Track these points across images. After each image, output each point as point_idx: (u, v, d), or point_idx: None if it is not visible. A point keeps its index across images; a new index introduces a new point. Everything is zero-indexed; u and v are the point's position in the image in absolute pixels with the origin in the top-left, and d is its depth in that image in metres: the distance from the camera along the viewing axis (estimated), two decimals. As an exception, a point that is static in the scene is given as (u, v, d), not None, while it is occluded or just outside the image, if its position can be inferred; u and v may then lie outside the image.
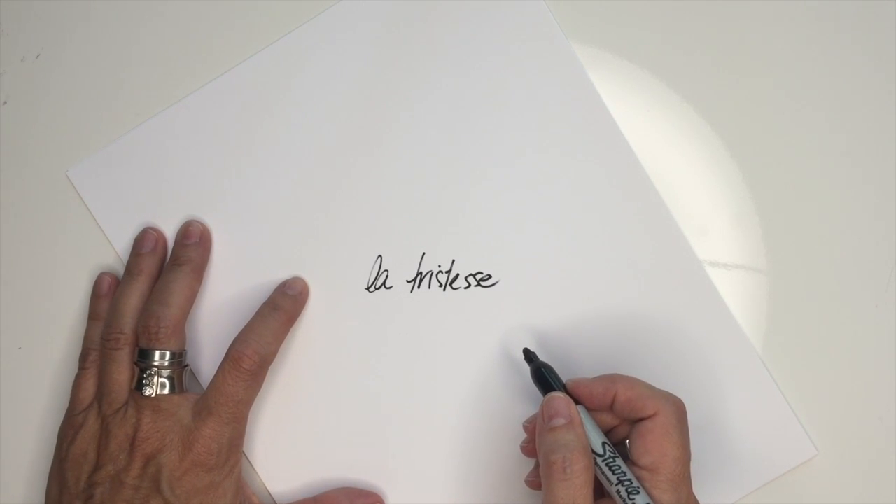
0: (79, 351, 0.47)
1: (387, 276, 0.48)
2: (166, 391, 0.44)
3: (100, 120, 0.49)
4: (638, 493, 0.39)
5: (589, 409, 0.42)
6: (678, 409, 0.41)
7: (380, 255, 0.48)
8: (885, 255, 0.47)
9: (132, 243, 0.48)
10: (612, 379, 0.42)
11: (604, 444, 0.40)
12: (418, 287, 0.48)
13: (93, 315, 0.48)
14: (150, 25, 0.49)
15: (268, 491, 0.48)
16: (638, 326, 0.47)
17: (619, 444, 0.42)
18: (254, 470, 0.48)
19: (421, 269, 0.48)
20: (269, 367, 0.46)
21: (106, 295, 0.48)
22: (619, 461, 0.40)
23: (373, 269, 0.48)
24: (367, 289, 0.48)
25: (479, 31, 0.47)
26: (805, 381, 0.47)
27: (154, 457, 0.43)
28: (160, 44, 0.49)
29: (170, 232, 0.48)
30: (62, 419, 0.47)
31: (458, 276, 0.47)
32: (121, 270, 0.48)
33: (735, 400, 0.46)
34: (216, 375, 0.44)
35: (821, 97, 0.47)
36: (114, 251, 0.49)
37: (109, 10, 0.49)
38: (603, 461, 0.40)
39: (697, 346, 0.46)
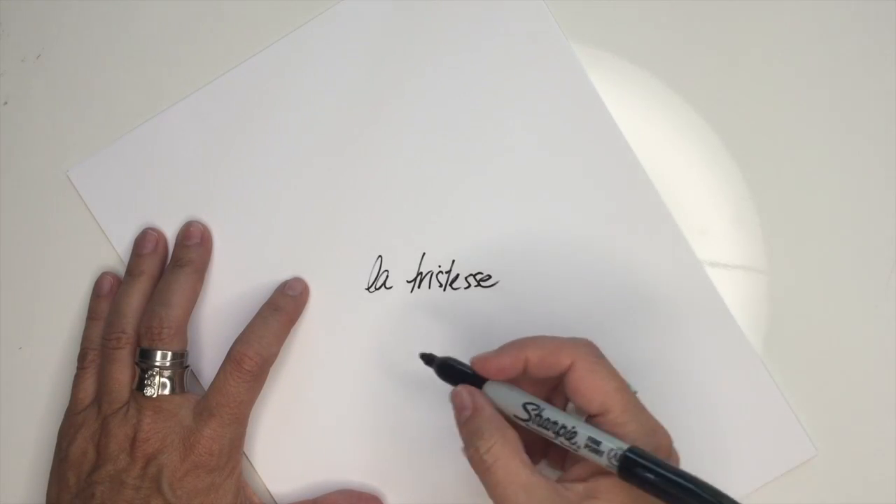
0: (78, 351, 0.47)
1: (387, 277, 0.48)
2: (167, 392, 0.44)
3: (100, 120, 0.49)
4: (576, 433, 0.37)
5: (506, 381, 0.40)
6: (592, 348, 0.39)
7: (380, 256, 0.48)
8: (885, 255, 0.47)
9: (133, 244, 0.48)
10: (518, 345, 0.40)
11: (525, 405, 0.39)
12: (418, 287, 0.48)
13: (92, 315, 0.48)
14: (150, 25, 0.49)
15: (268, 491, 0.48)
16: (638, 326, 0.47)
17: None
18: (254, 470, 0.48)
19: (421, 270, 0.48)
20: (271, 368, 0.46)
21: (107, 295, 0.48)
22: (547, 413, 0.38)
23: (373, 269, 0.48)
24: (368, 289, 0.48)
25: (479, 31, 0.47)
26: (805, 381, 0.47)
27: (155, 457, 0.43)
28: (160, 44, 0.49)
29: (170, 232, 0.48)
30: (62, 419, 0.47)
31: (458, 276, 0.47)
32: (121, 271, 0.48)
33: (735, 400, 0.46)
34: (217, 376, 0.45)
35: (821, 97, 0.47)
36: (114, 252, 0.49)
37: (109, 10, 0.49)
38: (532, 423, 0.39)
39: (697, 346, 0.47)
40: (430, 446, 0.47)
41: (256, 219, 0.48)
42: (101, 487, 0.43)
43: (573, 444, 0.38)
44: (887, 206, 0.47)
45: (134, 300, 0.46)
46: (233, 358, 0.44)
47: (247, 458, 0.48)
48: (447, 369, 0.42)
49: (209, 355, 0.48)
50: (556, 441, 0.38)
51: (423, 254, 0.48)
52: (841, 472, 0.46)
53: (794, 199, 0.47)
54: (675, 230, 0.47)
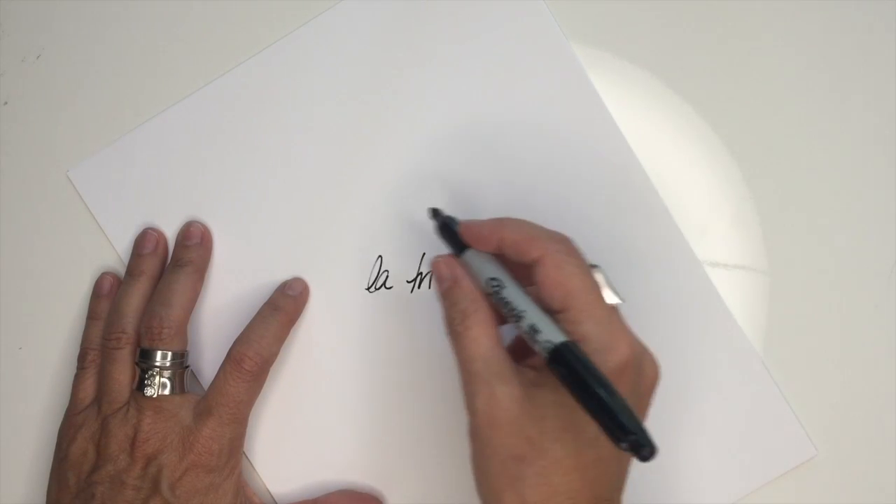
0: (78, 351, 0.47)
1: (387, 277, 0.48)
2: (167, 392, 0.44)
3: (100, 120, 0.49)
4: (523, 317, 0.38)
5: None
6: (565, 243, 0.39)
7: (380, 256, 0.48)
8: (885, 255, 0.47)
9: (133, 244, 0.48)
10: (501, 221, 0.40)
11: (488, 280, 0.39)
12: (418, 287, 0.48)
13: (92, 315, 0.48)
14: (150, 25, 0.49)
15: (268, 491, 0.48)
16: (638, 326, 0.47)
17: None
18: (255, 470, 0.48)
19: (421, 270, 0.48)
20: (271, 368, 0.46)
21: (107, 295, 0.48)
22: (504, 292, 0.39)
23: (373, 269, 0.48)
24: (368, 289, 0.48)
25: (478, 31, 0.47)
26: (805, 381, 0.47)
27: (155, 457, 0.43)
28: (160, 44, 0.49)
29: (170, 233, 0.48)
30: (62, 419, 0.47)
31: (458, 276, 0.47)
32: (121, 271, 0.48)
33: (735, 400, 0.46)
34: (217, 376, 0.45)
35: (821, 97, 0.47)
36: (114, 252, 0.49)
37: (109, 10, 0.49)
38: (492, 298, 0.39)
39: (697, 346, 0.47)
40: (430, 446, 0.47)
41: (256, 219, 0.48)
42: (101, 488, 0.43)
43: (519, 326, 0.38)
44: (887, 206, 0.47)
45: (134, 300, 0.46)
46: (233, 358, 0.44)
47: (247, 458, 0.48)
48: (446, 228, 0.42)
49: (209, 355, 0.48)
50: (510, 321, 0.39)
51: (423, 254, 0.48)
52: (841, 472, 0.47)
53: (794, 200, 0.47)
54: (675, 230, 0.47)
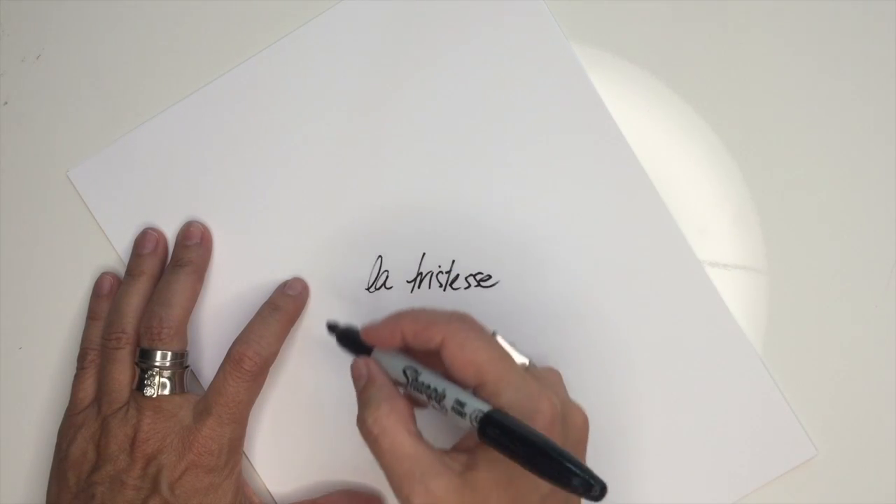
0: (78, 351, 0.47)
1: (387, 277, 0.48)
2: (167, 392, 0.44)
3: (100, 120, 0.49)
4: (444, 395, 0.37)
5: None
6: (464, 322, 0.39)
7: (380, 256, 0.48)
8: (885, 255, 0.47)
9: (133, 244, 0.48)
10: (397, 317, 0.40)
11: (405, 369, 0.39)
12: (418, 287, 0.48)
13: (92, 315, 0.48)
14: (150, 25, 0.49)
15: (268, 491, 0.48)
16: (637, 326, 0.47)
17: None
18: (254, 470, 0.48)
19: (421, 270, 0.48)
20: (270, 368, 0.46)
21: (107, 295, 0.48)
22: (423, 377, 0.39)
23: (373, 269, 0.48)
24: (368, 289, 0.48)
25: (478, 31, 0.47)
26: (805, 381, 0.47)
27: (154, 457, 0.43)
28: (160, 44, 0.49)
29: (170, 233, 0.48)
30: (62, 419, 0.47)
31: (458, 276, 0.47)
32: (121, 271, 0.48)
33: (735, 400, 0.46)
34: (217, 376, 0.45)
35: (821, 97, 0.47)
36: (114, 252, 0.49)
37: (110, 11, 0.49)
38: (410, 387, 0.39)
39: (697, 346, 0.47)
40: (430, 446, 0.47)
41: (256, 219, 0.48)
42: (101, 488, 0.43)
43: (443, 406, 0.37)
44: (887, 206, 0.47)
45: (134, 300, 0.46)
46: (232, 358, 0.44)
47: (247, 458, 0.48)
48: (346, 338, 0.43)
49: (209, 355, 0.48)
50: (431, 405, 0.38)
51: (423, 254, 0.48)
52: (841, 472, 0.47)
53: (794, 199, 0.47)
54: (675, 230, 0.47)
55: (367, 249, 0.48)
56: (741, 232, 0.47)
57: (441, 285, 0.47)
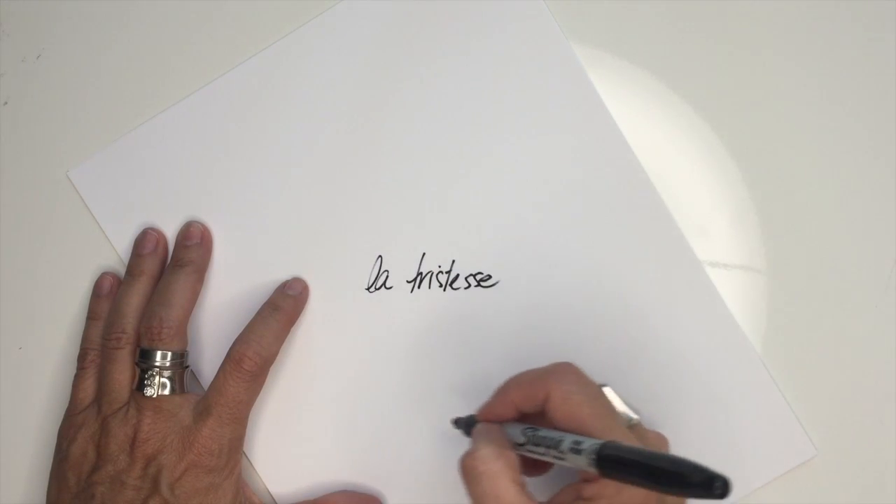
0: (78, 351, 0.47)
1: (387, 277, 0.48)
2: (167, 392, 0.44)
3: (100, 120, 0.49)
4: (561, 441, 0.37)
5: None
6: (567, 371, 0.39)
7: (380, 256, 0.48)
8: (885, 255, 0.47)
9: (133, 244, 0.48)
10: (503, 390, 0.41)
11: (524, 430, 0.40)
12: (418, 287, 0.48)
13: (92, 315, 0.48)
14: (150, 26, 0.49)
15: (268, 491, 0.48)
16: (638, 326, 0.47)
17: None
18: (254, 470, 0.48)
19: (421, 270, 0.48)
20: (270, 368, 0.46)
21: (107, 295, 0.48)
22: (542, 432, 0.39)
23: (373, 269, 0.48)
24: (368, 289, 0.48)
25: (478, 31, 0.47)
26: (805, 381, 0.47)
27: (154, 457, 0.43)
28: (160, 44, 0.49)
29: (170, 233, 0.48)
30: (62, 419, 0.47)
31: (458, 276, 0.47)
32: (121, 271, 0.48)
33: (735, 400, 0.46)
34: (217, 376, 0.45)
35: (821, 97, 0.47)
36: (114, 252, 0.49)
37: (110, 10, 0.49)
38: (529, 445, 0.39)
39: (697, 346, 0.47)
40: (429, 447, 0.47)
41: (256, 219, 0.48)
42: (101, 488, 0.43)
43: (560, 451, 0.37)
44: (887, 206, 0.47)
45: (134, 300, 0.46)
46: (232, 358, 0.44)
47: (247, 458, 0.48)
48: (469, 426, 0.43)
49: (209, 355, 0.48)
50: (547, 457, 0.38)
51: (423, 254, 0.48)
52: (841, 472, 0.46)
53: (794, 199, 0.47)
54: (675, 230, 0.47)
55: (367, 249, 0.48)
56: (741, 232, 0.47)
57: (441, 285, 0.47)
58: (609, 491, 0.37)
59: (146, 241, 0.48)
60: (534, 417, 0.40)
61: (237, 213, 0.48)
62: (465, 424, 0.43)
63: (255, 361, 0.44)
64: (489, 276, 0.47)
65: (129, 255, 0.48)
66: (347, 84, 0.48)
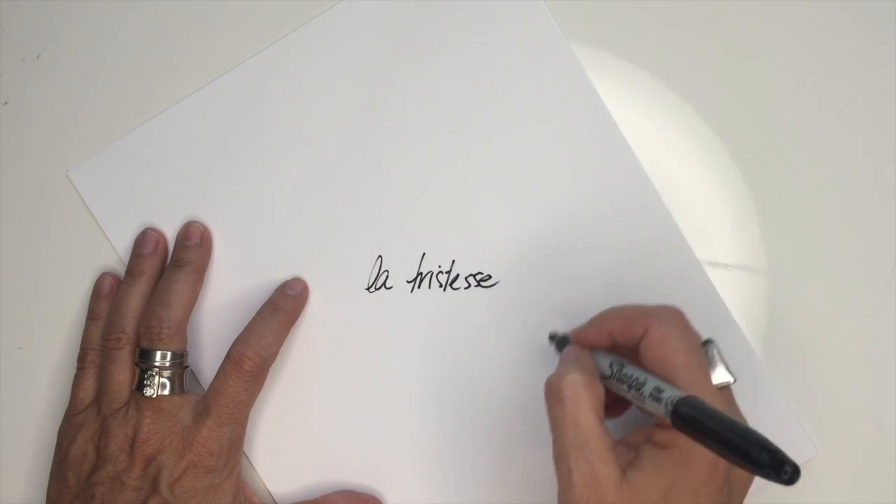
0: (78, 351, 0.47)
1: (387, 277, 0.48)
2: (167, 392, 0.44)
3: (100, 120, 0.49)
4: (644, 383, 0.38)
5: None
6: (670, 316, 0.39)
7: (380, 256, 0.48)
8: (885, 255, 0.47)
9: (133, 244, 0.48)
10: (602, 316, 0.41)
11: (611, 363, 0.40)
12: (418, 287, 0.48)
13: (92, 315, 0.48)
14: (150, 26, 0.49)
15: (268, 491, 0.48)
16: (638, 326, 0.47)
17: None
18: (254, 470, 0.48)
19: (421, 270, 0.48)
20: (270, 368, 0.46)
21: (107, 295, 0.48)
22: (626, 369, 0.39)
23: (373, 269, 0.48)
24: (368, 289, 0.48)
25: (478, 31, 0.47)
26: (805, 381, 0.47)
27: (154, 458, 0.43)
28: (160, 44, 0.49)
29: (170, 233, 0.48)
30: (62, 419, 0.47)
31: (458, 276, 0.47)
32: (121, 271, 0.48)
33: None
34: (217, 376, 0.45)
35: (821, 97, 0.47)
36: (114, 252, 0.49)
37: (110, 11, 0.49)
38: (613, 379, 0.39)
39: (697, 346, 0.46)
40: (429, 446, 0.47)
41: (256, 219, 0.48)
42: (101, 488, 0.43)
43: (640, 393, 0.38)
44: (887, 206, 0.47)
45: (134, 300, 0.46)
46: (232, 358, 0.44)
47: (247, 458, 0.48)
48: (561, 344, 0.43)
49: (209, 355, 0.48)
50: (628, 395, 0.39)
51: (423, 254, 0.48)
52: (841, 472, 0.47)
53: (794, 200, 0.47)
54: (675, 230, 0.47)
55: (368, 250, 0.48)
56: (741, 232, 0.47)
57: (441, 285, 0.47)
58: (682, 442, 0.37)
59: (146, 241, 0.48)
60: (625, 350, 0.40)
61: (237, 213, 0.48)
62: (559, 342, 0.44)
63: (255, 362, 0.44)
64: (489, 276, 0.47)
65: (129, 255, 0.48)
66: (347, 84, 0.48)
